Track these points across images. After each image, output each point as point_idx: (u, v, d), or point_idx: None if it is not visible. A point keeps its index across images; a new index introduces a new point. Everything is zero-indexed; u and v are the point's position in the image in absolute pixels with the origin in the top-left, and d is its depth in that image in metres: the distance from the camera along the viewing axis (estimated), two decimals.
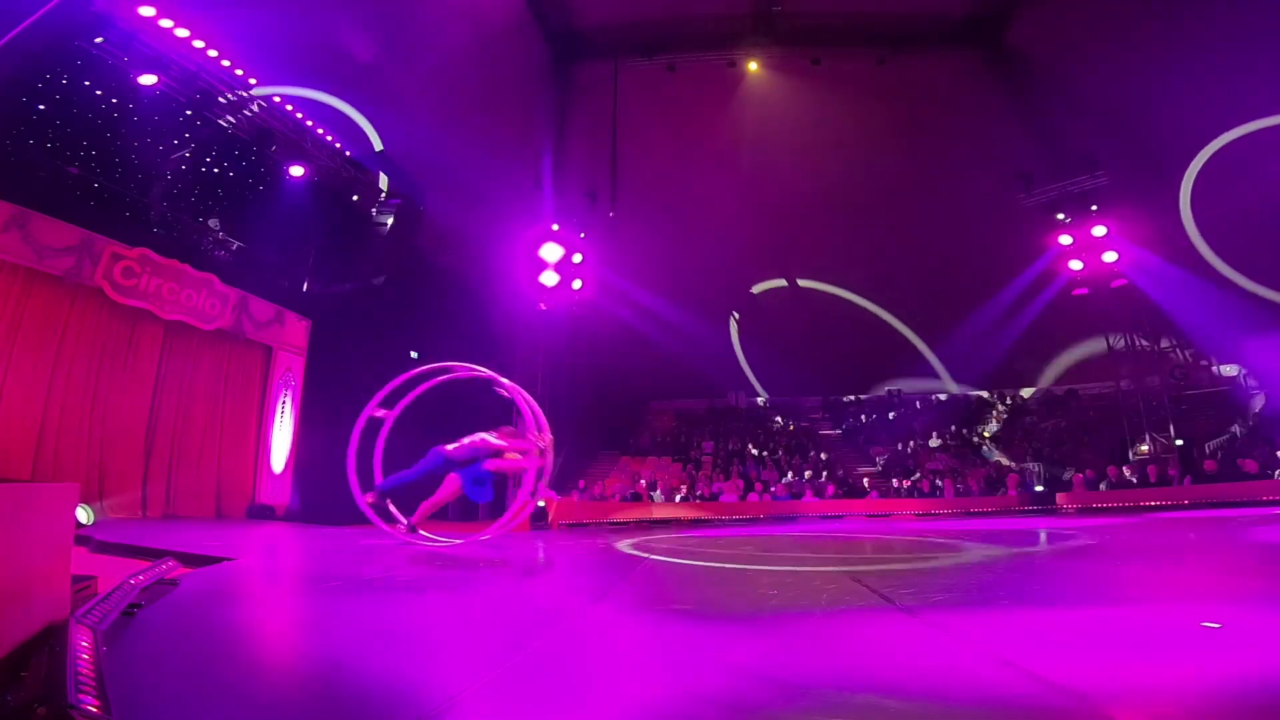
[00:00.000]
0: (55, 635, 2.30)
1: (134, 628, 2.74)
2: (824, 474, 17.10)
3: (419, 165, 15.46)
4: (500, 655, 2.39)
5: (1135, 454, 15.08)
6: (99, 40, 9.83)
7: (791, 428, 20.65)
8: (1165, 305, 15.40)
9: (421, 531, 6.76)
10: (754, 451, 18.60)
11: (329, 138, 13.88)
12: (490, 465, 6.68)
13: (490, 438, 6.78)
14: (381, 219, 15.53)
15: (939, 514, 14.17)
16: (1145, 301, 15.51)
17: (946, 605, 3.26)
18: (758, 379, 22.65)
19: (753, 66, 16.61)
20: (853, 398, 22.00)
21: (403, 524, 6.86)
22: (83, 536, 6.15)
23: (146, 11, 10.17)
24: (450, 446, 6.75)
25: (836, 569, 4.99)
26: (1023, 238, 16.69)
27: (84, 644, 2.19)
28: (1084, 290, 16.22)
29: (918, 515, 14.16)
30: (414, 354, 16.86)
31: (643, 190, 18.20)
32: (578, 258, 15.83)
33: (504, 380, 7.11)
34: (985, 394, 20.79)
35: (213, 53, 11.20)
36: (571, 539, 9.50)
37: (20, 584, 2.24)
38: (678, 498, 15.63)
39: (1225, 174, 15.15)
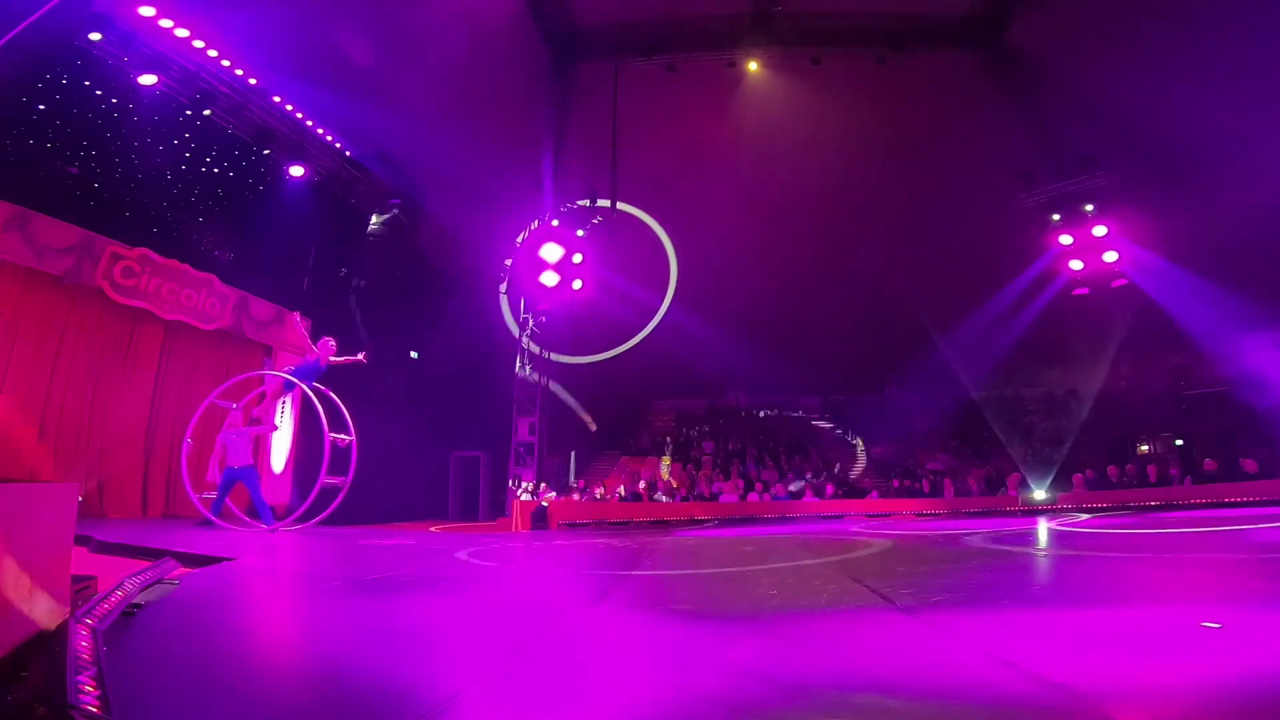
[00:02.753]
0: (55, 635, 2.31)
1: (134, 628, 2.75)
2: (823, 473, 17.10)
3: (419, 165, 15.44)
4: (500, 655, 2.39)
5: (1135, 454, 15.05)
6: (99, 40, 9.82)
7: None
8: (1166, 305, 15.37)
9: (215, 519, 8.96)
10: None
11: (329, 138, 13.87)
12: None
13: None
14: (381, 219, 15.53)
15: (939, 514, 14.15)
16: (1146, 301, 15.48)
17: (946, 605, 3.25)
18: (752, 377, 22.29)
19: (753, 66, 16.57)
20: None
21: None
22: (83, 536, 6.14)
23: (146, 11, 10.15)
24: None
25: (836, 569, 4.99)
26: (1023, 238, 16.66)
27: (84, 644, 2.19)
28: (1084, 290, 16.19)
29: (918, 515, 14.14)
30: (414, 354, 16.89)
31: (643, 190, 18.17)
32: (578, 258, 15.82)
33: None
34: (986, 394, 20.72)
35: (213, 53, 11.19)
36: (571, 539, 9.50)
37: (20, 584, 2.24)
38: (678, 498, 15.63)
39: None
